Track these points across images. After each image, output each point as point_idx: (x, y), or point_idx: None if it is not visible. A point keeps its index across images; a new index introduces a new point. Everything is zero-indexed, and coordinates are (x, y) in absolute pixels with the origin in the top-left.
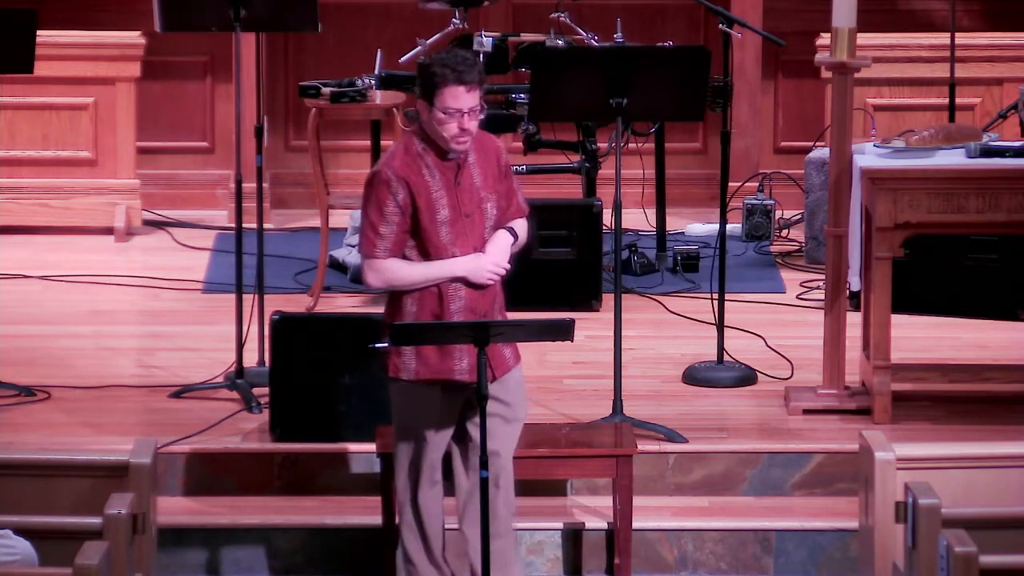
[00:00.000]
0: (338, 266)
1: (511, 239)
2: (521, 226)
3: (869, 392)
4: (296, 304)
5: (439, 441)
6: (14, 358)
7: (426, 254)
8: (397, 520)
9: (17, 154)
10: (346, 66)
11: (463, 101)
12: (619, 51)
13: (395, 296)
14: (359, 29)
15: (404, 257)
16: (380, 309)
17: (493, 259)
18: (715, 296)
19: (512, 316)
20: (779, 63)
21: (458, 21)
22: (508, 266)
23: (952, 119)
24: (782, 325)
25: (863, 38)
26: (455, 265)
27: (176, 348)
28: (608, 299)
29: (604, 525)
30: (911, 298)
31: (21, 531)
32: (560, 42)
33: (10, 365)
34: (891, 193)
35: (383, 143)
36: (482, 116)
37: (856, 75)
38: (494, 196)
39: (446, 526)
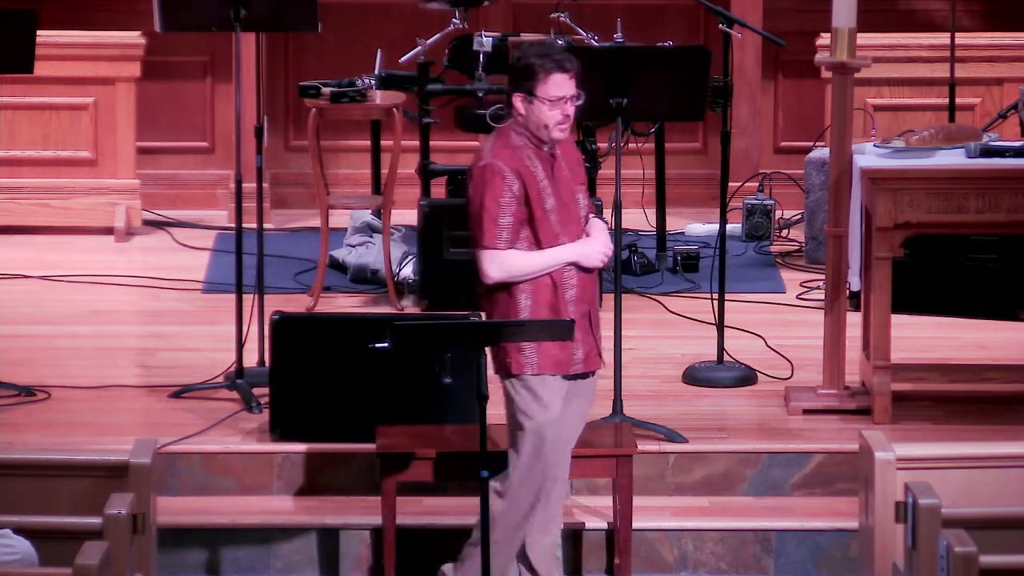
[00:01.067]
0: (338, 266)
1: (606, 226)
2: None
3: (869, 392)
4: (296, 304)
5: (561, 433)
6: (14, 358)
7: (538, 244)
8: (499, 517)
9: (17, 154)
10: (346, 66)
11: (566, 88)
12: (619, 51)
13: (505, 292)
14: (359, 29)
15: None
16: (379, 309)
17: (602, 241)
18: (715, 296)
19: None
20: (779, 63)
21: (458, 21)
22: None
23: (952, 119)
24: (782, 325)
25: (863, 38)
26: (567, 251)
27: (176, 348)
28: (608, 299)
29: (604, 525)
30: (911, 298)
31: (21, 531)
32: (560, 42)
33: (10, 365)
34: (891, 193)
35: (383, 143)
36: (580, 103)
37: (856, 75)
38: (581, 188)
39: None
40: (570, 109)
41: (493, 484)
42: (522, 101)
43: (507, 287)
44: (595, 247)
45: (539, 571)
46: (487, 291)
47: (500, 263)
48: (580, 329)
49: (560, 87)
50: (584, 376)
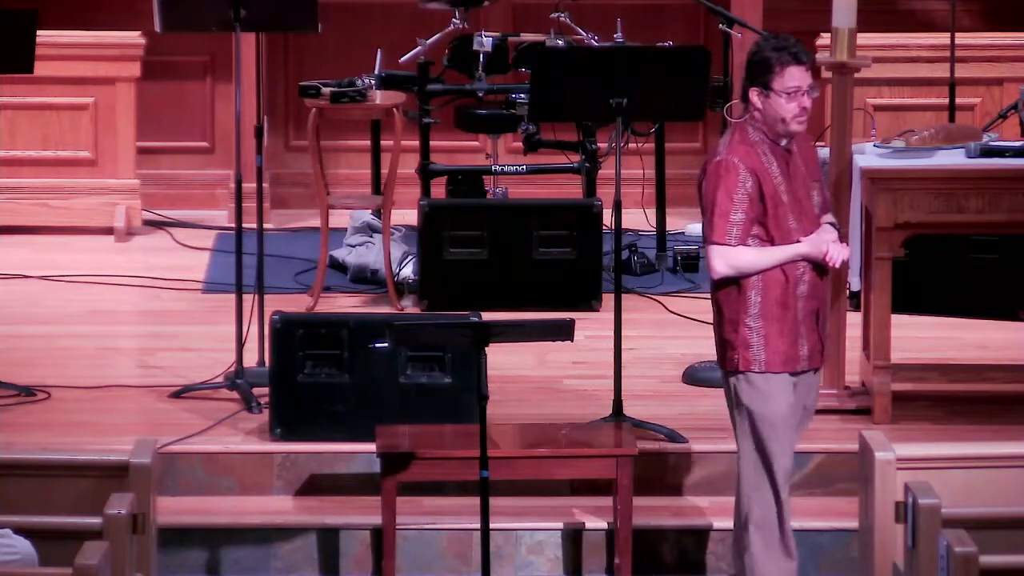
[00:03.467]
0: (338, 266)
1: (835, 229)
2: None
3: (869, 392)
4: (296, 304)
5: (792, 434)
6: (14, 358)
7: (771, 241)
8: (744, 521)
9: (17, 154)
10: (346, 66)
11: (803, 79)
12: (619, 51)
13: (735, 287)
14: (359, 29)
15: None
16: (380, 309)
17: (833, 237)
18: None
19: (512, 316)
20: None
21: (458, 21)
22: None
23: (952, 119)
24: None
25: (863, 38)
26: (798, 247)
27: (176, 348)
28: (608, 299)
29: (604, 525)
30: (911, 298)
31: (21, 531)
32: (560, 42)
33: (10, 365)
34: (891, 193)
35: (383, 143)
36: (815, 95)
37: (856, 75)
38: (816, 184)
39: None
40: (807, 101)
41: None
42: (759, 95)
43: (736, 282)
44: (825, 238)
45: None
46: (718, 285)
47: (728, 259)
48: (806, 326)
49: (796, 79)
50: (807, 372)
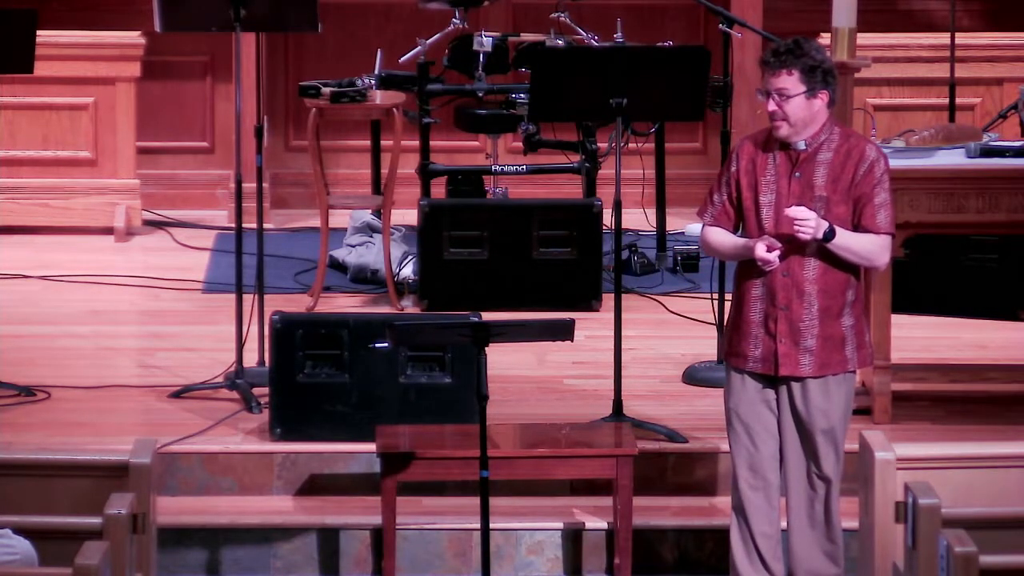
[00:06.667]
0: (338, 266)
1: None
2: (852, 236)
3: (869, 392)
4: (296, 304)
5: (753, 436)
6: (14, 358)
7: (748, 233)
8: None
9: (17, 154)
10: (346, 66)
11: (766, 83)
12: (619, 51)
13: None
14: (359, 29)
15: (736, 231)
16: (380, 309)
17: (767, 242)
18: (715, 296)
19: (512, 316)
20: None
21: (458, 21)
22: (779, 248)
23: (952, 119)
24: None
25: (863, 38)
26: (748, 241)
27: (176, 348)
28: (608, 299)
29: (604, 525)
30: (911, 298)
31: (21, 531)
32: (560, 42)
33: (10, 365)
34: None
35: (383, 143)
36: (815, 99)
37: (856, 75)
38: (834, 200)
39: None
40: (773, 105)
41: None
42: None
43: None
44: (759, 244)
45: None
46: None
47: (701, 235)
48: (762, 330)
49: (763, 81)
50: (792, 381)
